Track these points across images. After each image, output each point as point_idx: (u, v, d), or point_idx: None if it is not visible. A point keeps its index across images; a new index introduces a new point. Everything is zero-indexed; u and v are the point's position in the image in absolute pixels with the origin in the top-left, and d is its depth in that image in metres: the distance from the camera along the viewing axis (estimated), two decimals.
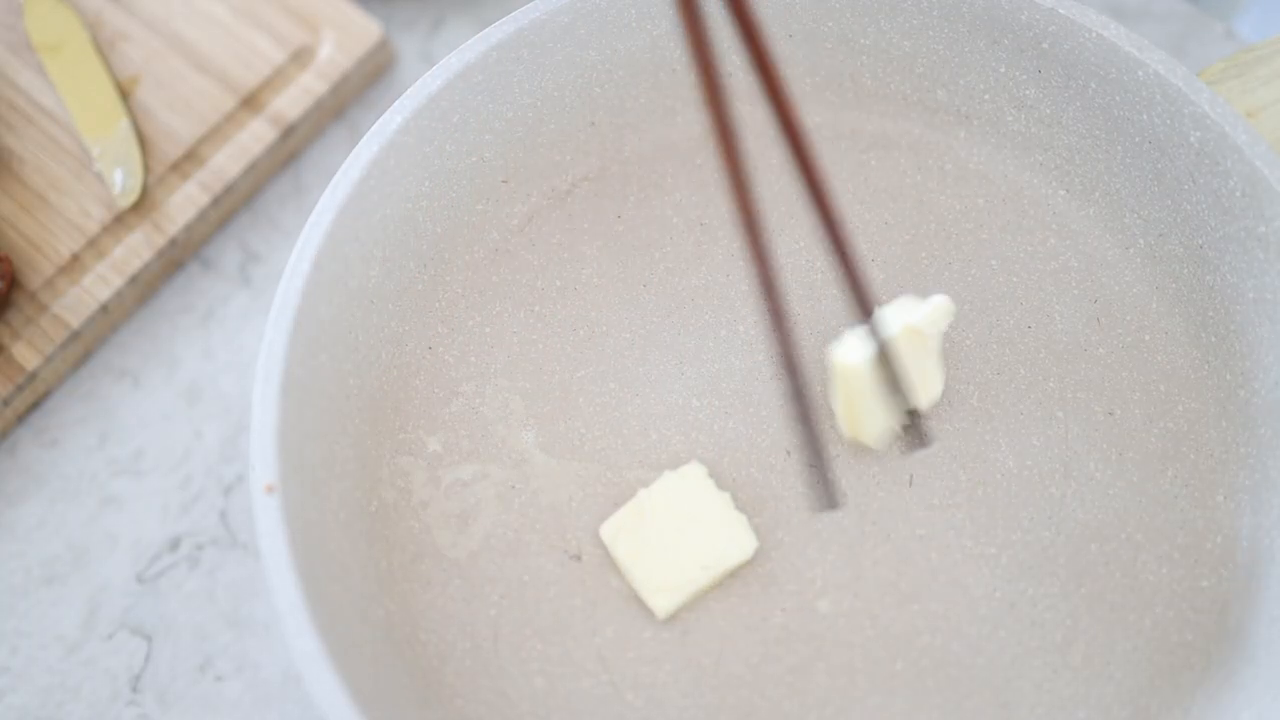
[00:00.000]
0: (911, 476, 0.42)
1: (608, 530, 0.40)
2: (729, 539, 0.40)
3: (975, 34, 0.43)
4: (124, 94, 0.52)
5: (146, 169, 0.50)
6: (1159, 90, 0.40)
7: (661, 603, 0.39)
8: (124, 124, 0.51)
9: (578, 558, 0.41)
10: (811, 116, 0.46)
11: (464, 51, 0.41)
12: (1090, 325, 0.43)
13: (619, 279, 0.45)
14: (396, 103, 0.40)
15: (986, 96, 0.44)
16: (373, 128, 0.40)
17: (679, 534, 0.39)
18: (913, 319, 0.40)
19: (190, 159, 0.51)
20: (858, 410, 0.40)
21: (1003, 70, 0.43)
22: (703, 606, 0.40)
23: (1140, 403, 0.42)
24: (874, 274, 0.44)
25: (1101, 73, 0.41)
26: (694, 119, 0.46)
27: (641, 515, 0.40)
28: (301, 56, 0.53)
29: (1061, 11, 0.41)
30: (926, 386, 0.41)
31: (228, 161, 0.51)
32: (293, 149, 0.52)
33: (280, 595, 0.34)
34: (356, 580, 0.38)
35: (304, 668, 0.33)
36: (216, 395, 0.49)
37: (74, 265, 0.49)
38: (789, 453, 0.42)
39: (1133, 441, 0.41)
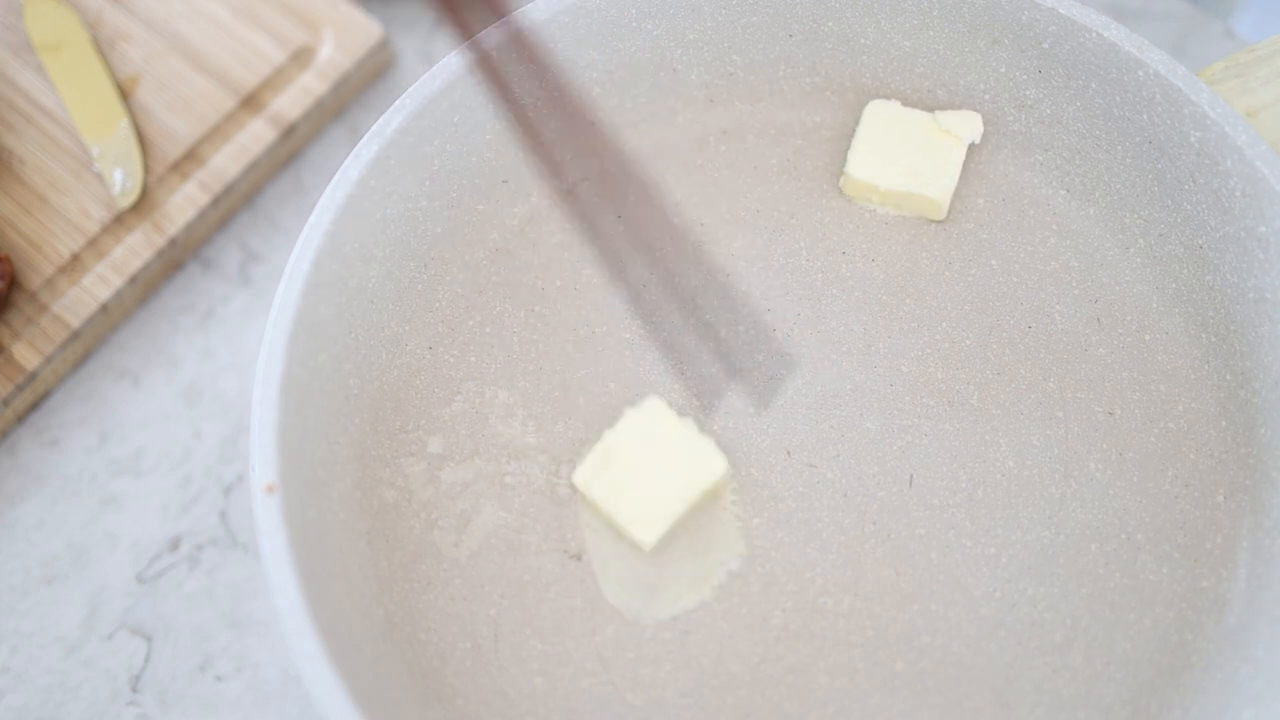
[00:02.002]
0: (911, 476, 0.42)
1: (580, 477, 0.40)
2: (699, 461, 0.40)
3: (975, 34, 0.43)
4: (124, 94, 0.52)
5: (146, 169, 0.50)
6: (1159, 90, 0.40)
7: (646, 533, 0.40)
8: (124, 124, 0.51)
9: (578, 558, 0.41)
10: (811, 116, 0.46)
11: (464, 52, 0.41)
12: (1090, 325, 0.43)
13: (619, 279, 0.45)
14: (396, 103, 0.40)
15: (986, 96, 0.44)
16: (373, 128, 0.40)
17: (650, 465, 0.40)
18: (945, 120, 0.44)
19: (190, 159, 0.51)
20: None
21: (1003, 70, 0.43)
22: (703, 607, 0.40)
23: (1140, 403, 0.42)
24: (874, 275, 0.44)
25: (1101, 73, 0.41)
26: (694, 119, 0.46)
27: (611, 455, 0.40)
28: (301, 56, 0.53)
29: (1062, 11, 0.41)
30: (940, 183, 0.44)
31: (228, 161, 0.51)
32: (293, 149, 0.52)
33: (280, 595, 0.34)
34: (356, 580, 0.38)
35: (304, 668, 0.33)
36: (216, 395, 0.49)
37: (74, 265, 0.49)
38: (789, 453, 0.42)
39: (1133, 441, 0.41)
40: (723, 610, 0.40)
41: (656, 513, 0.40)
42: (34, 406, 0.48)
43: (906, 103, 0.46)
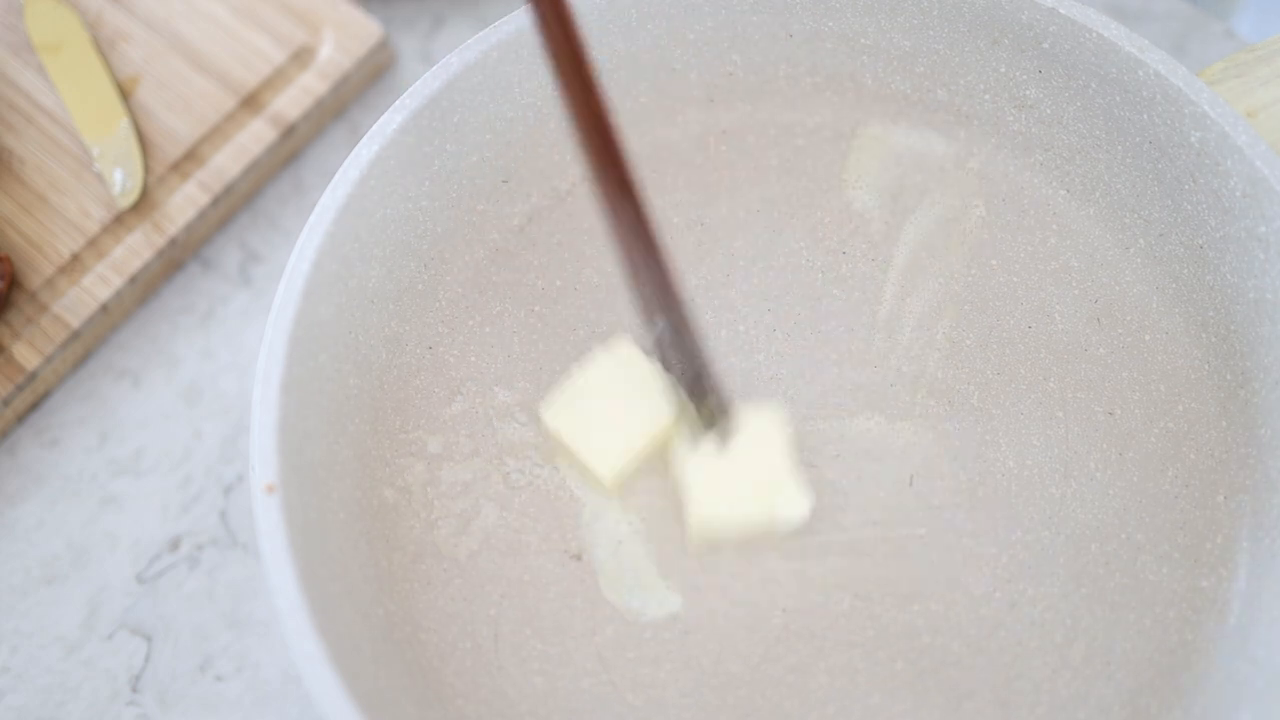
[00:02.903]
0: (912, 476, 0.42)
1: (549, 413, 0.41)
2: (664, 399, 0.41)
3: (976, 34, 0.43)
4: (124, 94, 0.52)
5: (146, 169, 0.50)
6: (1159, 90, 0.40)
7: (608, 468, 0.40)
8: (124, 124, 0.51)
9: (578, 558, 0.41)
10: (812, 116, 0.46)
11: (464, 51, 0.41)
12: (1090, 325, 0.43)
13: (619, 279, 0.45)
14: (396, 103, 0.40)
15: (986, 96, 0.44)
16: (373, 128, 0.40)
17: (616, 403, 0.41)
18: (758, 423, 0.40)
19: (190, 159, 0.51)
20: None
21: (1003, 70, 0.43)
22: (703, 606, 0.40)
23: (1140, 403, 0.42)
24: (875, 274, 0.44)
25: (1102, 73, 0.41)
26: (694, 119, 0.46)
27: (578, 392, 0.41)
28: (301, 56, 0.53)
29: (1062, 11, 0.41)
30: (789, 502, 0.40)
31: (228, 161, 0.51)
32: (293, 149, 0.52)
33: (280, 595, 0.34)
34: (356, 580, 0.38)
35: (304, 668, 0.33)
36: (216, 395, 0.49)
37: (74, 265, 0.49)
38: None
39: (1133, 441, 0.41)
40: (723, 610, 0.40)
41: (619, 449, 0.40)
42: (34, 406, 0.48)
43: (906, 103, 0.45)
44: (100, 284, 0.48)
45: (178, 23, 0.53)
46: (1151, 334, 0.43)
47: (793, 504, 0.40)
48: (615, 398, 0.41)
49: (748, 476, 0.40)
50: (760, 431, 0.40)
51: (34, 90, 0.52)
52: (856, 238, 0.45)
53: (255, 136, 0.51)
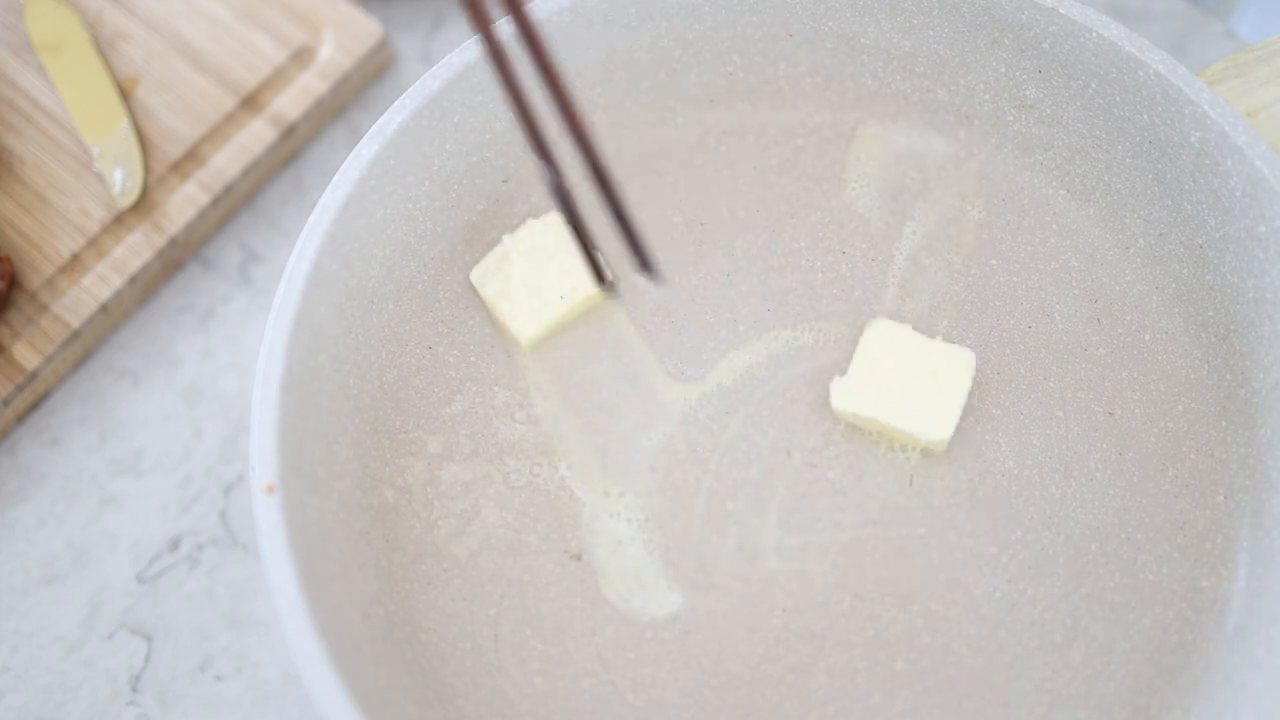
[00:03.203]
0: (912, 476, 0.42)
1: (477, 275, 0.43)
2: (585, 272, 0.42)
3: (975, 34, 0.43)
4: (124, 94, 0.52)
5: (146, 169, 0.50)
6: (1159, 90, 0.40)
7: (524, 330, 0.42)
8: (124, 124, 0.51)
9: (578, 558, 0.41)
10: (812, 116, 0.46)
11: (464, 51, 0.41)
12: (1090, 325, 0.43)
13: (619, 279, 0.45)
14: (396, 103, 0.40)
15: (987, 96, 0.44)
16: (373, 128, 0.40)
17: (540, 272, 0.43)
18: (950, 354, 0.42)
19: (190, 159, 0.51)
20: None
21: (1003, 70, 0.43)
22: (703, 606, 0.40)
23: (1140, 403, 0.42)
24: (875, 274, 0.44)
25: (1102, 73, 0.41)
26: (694, 119, 0.46)
27: (507, 259, 0.43)
28: (301, 56, 0.53)
29: (1062, 11, 0.41)
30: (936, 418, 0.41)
31: (228, 161, 0.51)
32: (293, 149, 0.52)
33: (280, 595, 0.34)
34: (356, 580, 0.38)
35: (304, 668, 0.33)
36: (216, 395, 0.49)
37: (74, 265, 0.49)
38: (789, 453, 0.42)
39: (1133, 441, 0.41)
40: (723, 610, 0.40)
41: (536, 313, 0.42)
42: (34, 406, 0.48)
43: (906, 103, 0.45)
44: (100, 284, 0.48)
45: (178, 23, 0.53)
46: (1151, 334, 0.43)
47: (938, 426, 0.41)
48: (541, 265, 0.43)
49: (915, 382, 0.41)
50: (950, 360, 0.41)
51: (34, 90, 0.52)
52: (856, 238, 0.45)
53: (255, 136, 0.51)
